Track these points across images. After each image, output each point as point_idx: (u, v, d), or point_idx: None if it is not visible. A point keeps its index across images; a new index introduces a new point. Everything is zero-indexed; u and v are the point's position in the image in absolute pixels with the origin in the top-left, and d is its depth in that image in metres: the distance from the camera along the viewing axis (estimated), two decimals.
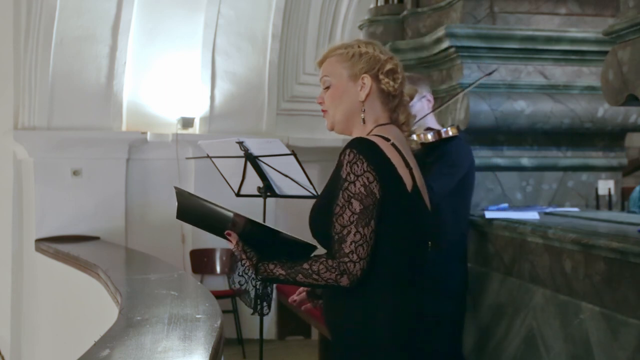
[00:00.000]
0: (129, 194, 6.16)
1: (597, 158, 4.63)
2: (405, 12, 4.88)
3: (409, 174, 1.98)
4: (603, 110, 4.42)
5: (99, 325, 2.92)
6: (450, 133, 3.45)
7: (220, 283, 6.32)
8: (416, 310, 2.01)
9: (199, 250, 6.33)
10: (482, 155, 4.49)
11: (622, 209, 4.60)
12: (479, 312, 4.03)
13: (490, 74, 3.86)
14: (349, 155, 1.91)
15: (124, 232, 6.08)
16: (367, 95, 2.04)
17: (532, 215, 3.80)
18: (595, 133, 4.56)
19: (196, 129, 6.42)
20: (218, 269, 6.37)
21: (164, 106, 6.28)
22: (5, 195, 6.01)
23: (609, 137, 4.62)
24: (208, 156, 4.15)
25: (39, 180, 5.81)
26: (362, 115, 2.04)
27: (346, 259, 1.87)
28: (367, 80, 2.04)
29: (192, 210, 2.00)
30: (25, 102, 5.82)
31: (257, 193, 4.01)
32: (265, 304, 2.08)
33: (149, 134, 6.19)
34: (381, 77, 2.04)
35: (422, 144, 3.43)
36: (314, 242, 2.02)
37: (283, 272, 1.95)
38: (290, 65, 6.85)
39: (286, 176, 3.80)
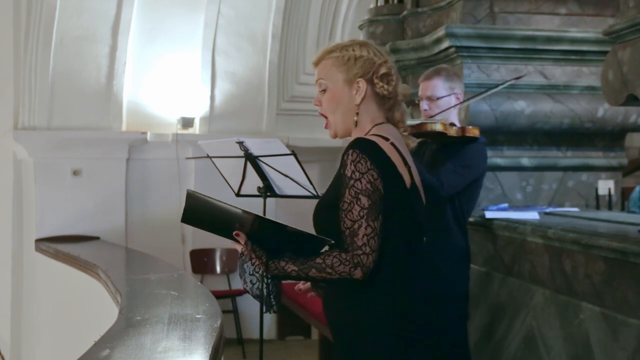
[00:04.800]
0: (129, 194, 6.15)
1: (597, 158, 4.62)
2: (405, 12, 4.88)
3: (407, 172, 2.04)
4: (603, 110, 4.42)
5: (99, 325, 2.92)
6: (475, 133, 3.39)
7: (220, 283, 6.31)
8: (416, 301, 2.04)
9: (199, 250, 6.33)
10: None
11: (622, 209, 4.59)
12: (479, 312, 4.03)
13: (520, 77, 3.93)
14: (352, 155, 1.96)
15: (124, 232, 6.08)
16: (362, 99, 2.09)
17: (532, 215, 3.80)
18: (595, 133, 4.56)
19: (196, 129, 6.41)
20: (218, 269, 6.37)
21: (164, 106, 6.28)
22: (5, 195, 6.01)
23: (609, 137, 4.62)
24: (208, 156, 4.15)
25: (39, 180, 5.81)
26: (355, 118, 2.09)
27: (359, 252, 1.91)
28: (362, 84, 2.09)
29: (200, 212, 1.98)
30: (25, 102, 5.82)
31: (257, 193, 4.01)
32: (274, 301, 2.07)
33: (149, 134, 6.18)
34: (376, 80, 2.10)
35: (439, 137, 3.39)
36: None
37: (295, 268, 1.97)
38: (290, 65, 6.85)
39: (286, 176, 3.80)
